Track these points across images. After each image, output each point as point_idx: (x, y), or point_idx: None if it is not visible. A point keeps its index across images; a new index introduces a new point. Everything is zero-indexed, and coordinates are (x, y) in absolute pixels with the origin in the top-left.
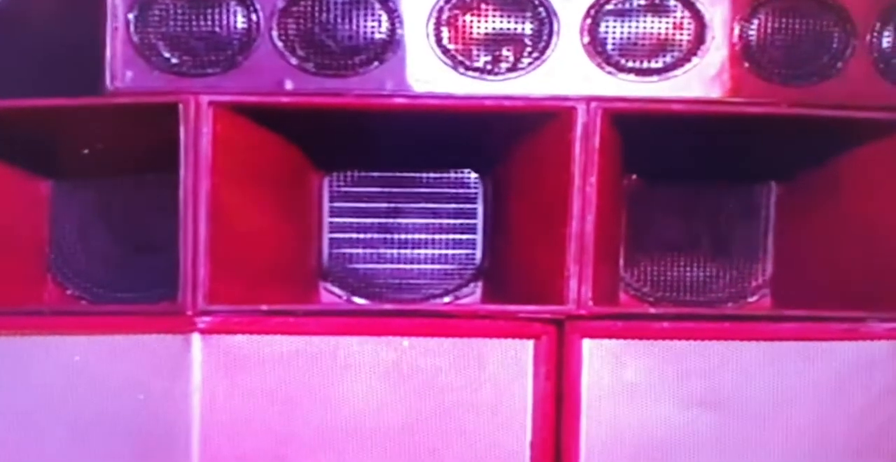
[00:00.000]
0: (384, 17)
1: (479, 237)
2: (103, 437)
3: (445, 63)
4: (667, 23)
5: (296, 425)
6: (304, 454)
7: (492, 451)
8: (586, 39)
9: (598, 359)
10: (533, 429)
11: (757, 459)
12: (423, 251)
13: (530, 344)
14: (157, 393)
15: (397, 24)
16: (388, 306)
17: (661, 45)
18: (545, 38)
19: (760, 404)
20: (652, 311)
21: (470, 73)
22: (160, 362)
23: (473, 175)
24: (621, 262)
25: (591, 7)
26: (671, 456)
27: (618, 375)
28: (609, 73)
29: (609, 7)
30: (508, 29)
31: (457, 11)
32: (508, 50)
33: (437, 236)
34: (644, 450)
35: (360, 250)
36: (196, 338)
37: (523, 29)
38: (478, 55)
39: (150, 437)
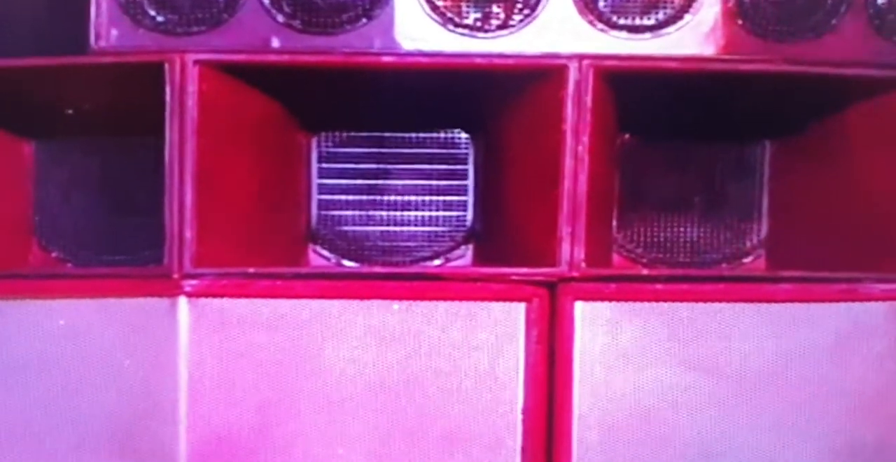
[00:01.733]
0: None
1: (469, 199)
2: (89, 401)
3: (435, 20)
4: None
5: (284, 389)
6: (292, 418)
7: (483, 416)
8: None
9: (590, 321)
10: (525, 393)
11: (753, 423)
12: (413, 213)
13: (522, 307)
14: (144, 357)
15: None
16: (377, 269)
17: (654, 2)
18: None
19: (756, 367)
20: (645, 272)
21: (460, 30)
22: (146, 326)
23: (464, 135)
24: (614, 223)
25: None
26: (665, 419)
27: (611, 338)
28: (601, 30)
29: None
30: None
31: None
32: (499, 6)
33: (427, 198)
34: (638, 413)
35: (349, 212)
36: (182, 301)
37: None
38: (468, 12)
39: (137, 401)
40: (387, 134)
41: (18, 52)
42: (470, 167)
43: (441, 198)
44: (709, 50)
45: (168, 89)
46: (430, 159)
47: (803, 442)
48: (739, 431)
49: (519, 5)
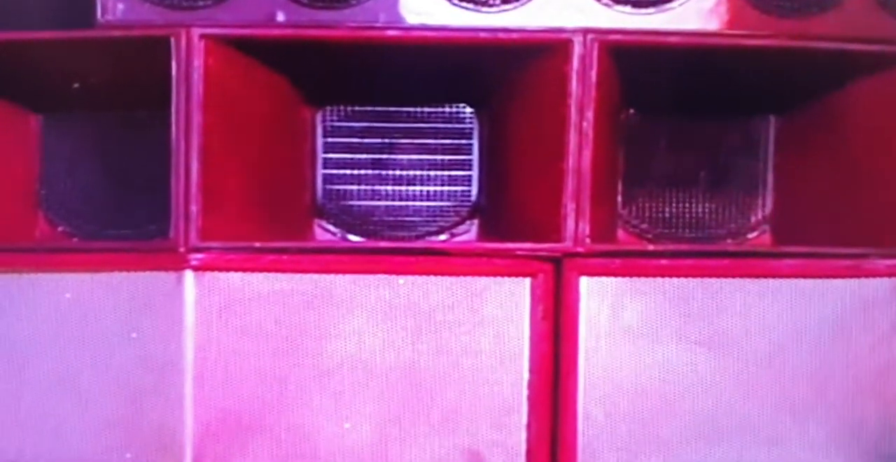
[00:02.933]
0: None
1: (474, 174)
2: (95, 375)
3: None
4: None
5: (290, 364)
6: (298, 393)
7: (488, 391)
8: None
9: (596, 297)
10: (530, 368)
11: (758, 399)
12: (418, 188)
13: (527, 282)
14: (150, 331)
15: None
16: (382, 244)
17: None
18: None
19: (761, 343)
20: (650, 248)
21: (464, 4)
22: (152, 300)
23: (469, 110)
24: (619, 198)
25: None
26: (670, 395)
27: (616, 313)
28: (606, 4)
29: None
30: None
31: None
32: None
33: (432, 173)
34: (643, 388)
35: (355, 187)
36: (189, 275)
37: None
38: None
39: (143, 375)
40: (392, 108)
41: (25, 26)
42: (475, 142)
43: (446, 173)
44: (713, 25)
45: (174, 63)
46: (435, 134)
47: (808, 418)
48: (744, 407)
49: None
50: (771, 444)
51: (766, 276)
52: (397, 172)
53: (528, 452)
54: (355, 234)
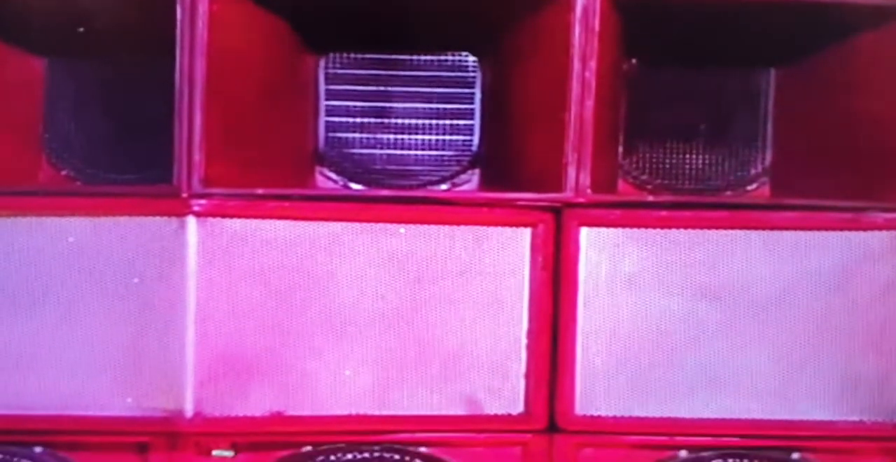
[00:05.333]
0: None
1: (476, 123)
2: (97, 319)
3: None
4: None
5: (291, 311)
6: (299, 338)
7: (488, 340)
8: None
9: (595, 247)
10: (529, 318)
11: (756, 349)
12: (420, 136)
13: (527, 232)
14: (152, 276)
15: None
16: (384, 192)
17: None
18: None
19: (760, 295)
20: (650, 199)
21: None
22: (155, 245)
23: (472, 58)
24: (620, 149)
25: None
26: (669, 345)
27: (615, 264)
28: None
29: None
30: None
31: None
32: None
33: (434, 121)
34: (641, 338)
35: (357, 135)
36: (191, 221)
37: None
38: None
39: (145, 320)
40: (394, 56)
41: None
42: (477, 91)
43: (448, 121)
44: None
45: (179, 9)
46: (438, 82)
47: (807, 370)
48: (743, 358)
49: None
50: (769, 395)
51: (764, 228)
52: (399, 121)
53: (527, 400)
54: (357, 182)
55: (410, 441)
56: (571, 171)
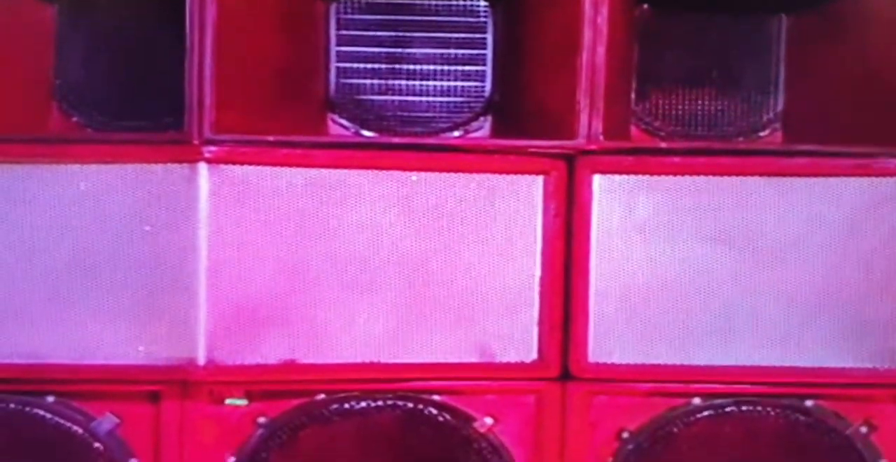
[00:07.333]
0: None
1: (488, 69)
2: (109, 267)
3: None
4: None
5: (302, 258)
6: (311, 287)
7: (500, 288)
8: None
9: (608, 194)
10: (542, 266)
11: (768, 296)
12: (432, 83)
13: (540, 180)
14: (164, 223)
15: None
16: (396, 140)
17: None
18: None
19: (772, 242)
20: (663, 145)
21: None
22: (166, 192)
23: (484, 3)
24: (633, 95)
25: None
26: (681, 292)
27: (628, 211)
28: None
29: None
30: None
31: None
32: None
33: (446, 67)
34: (654, 285)
35: (368, 81)
36: (202, 167)
37: None
38: None
39: (157, 268)
40: (406, 1)
41: None
42: (489, 36)
43: (460, 67)
44: None
45: None
46: (450, 28)
47: (818, 316)
48: (755, 304)
49: None
50: (782, 342)
51: (776, 175)
52: (411, 67)
53: (540, 348)
54: (369, 129)
55: (424, 389)
56: (584, 118)
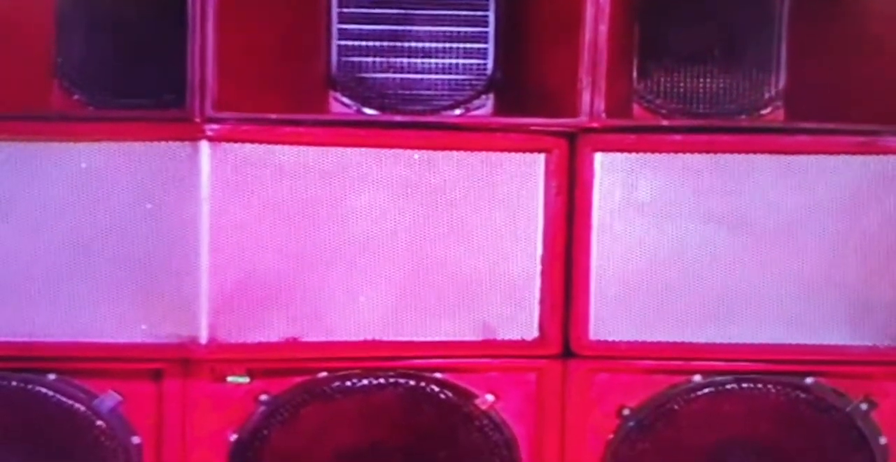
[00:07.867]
0: None
1: (490, 47)
2: (110, 244)
3: None
4: None
5: (304, 236)
6: (312, 265)
7: (502, 266)
8: None
9: (610, 172)
10: (544, 244)
11: (770, 275)
12: (433, 60)
13: (542, 157)
14: (165, 201)
15: None
16: (397, 118)
17: None
18: None
19: (773, 220)
20: (665, 123)
21: None
22: (168, 170)
23: None
24: (634, 73)
25: None
26: (683, 270)
27: (630, 189)
28: None
29: None
30: None
31: None
32: None
33: (448, 45)
34: (656, 264)
35: (370, 59)
36: (204, 145)
37: None
38: None
39: (158, 245)
40: None
41: None
42: (491, 14)
43: (462, 45)
44: None
45: None
46: (452, 5)
47: (818, 293)
48: (756, 282)
49: None
50: (783, 320)
51: (778, 152)
52: (413, 44)
53: (541, 326)
54: (370, 107)
55: (425, 367)
56: (586, 96)
